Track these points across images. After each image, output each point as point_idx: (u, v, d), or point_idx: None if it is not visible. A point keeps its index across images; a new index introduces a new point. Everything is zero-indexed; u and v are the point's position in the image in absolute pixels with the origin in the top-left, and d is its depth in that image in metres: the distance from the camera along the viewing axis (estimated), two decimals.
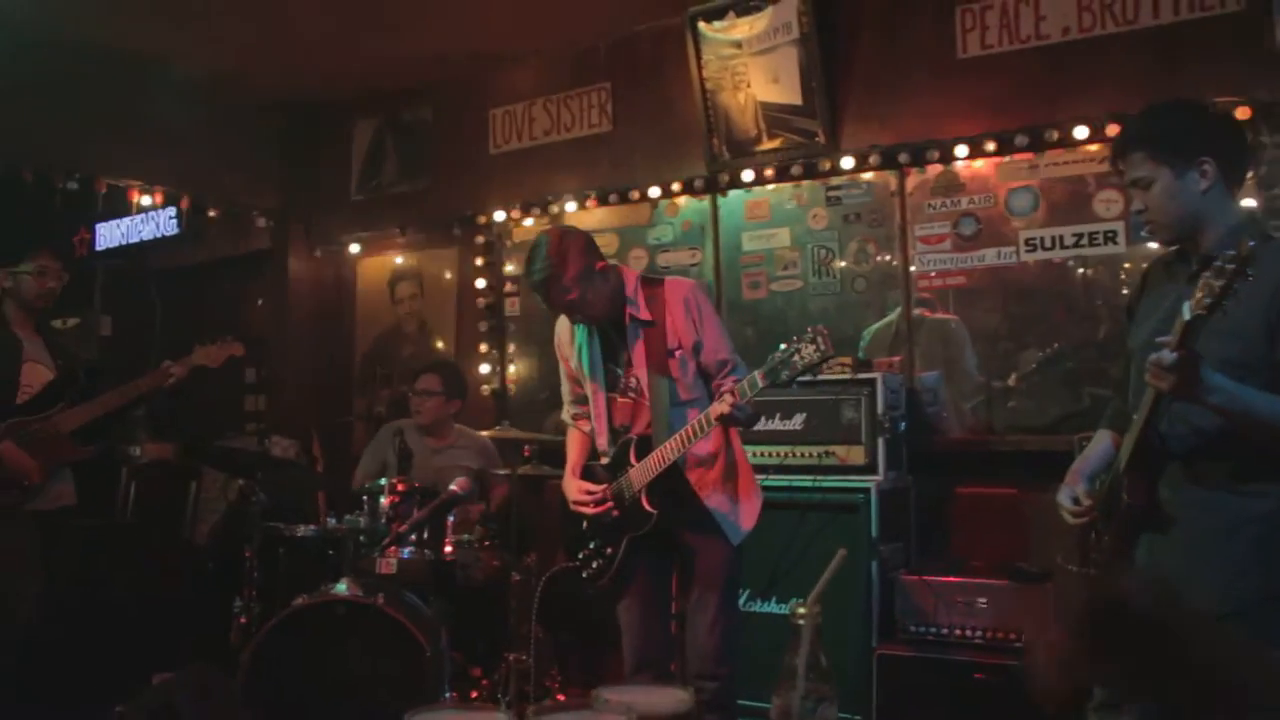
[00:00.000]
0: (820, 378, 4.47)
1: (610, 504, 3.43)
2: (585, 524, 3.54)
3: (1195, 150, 2.52)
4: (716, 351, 3.43)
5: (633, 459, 3.38)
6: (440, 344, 6.46)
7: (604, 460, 3.53)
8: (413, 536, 4.27)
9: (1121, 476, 2.55)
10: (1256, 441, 2.41)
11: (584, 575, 3.55)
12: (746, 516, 3.43)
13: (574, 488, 3.55)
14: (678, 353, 3.38)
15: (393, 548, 4.30)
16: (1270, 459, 2.42)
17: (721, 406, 3.10)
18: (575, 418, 3.74)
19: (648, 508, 3.32)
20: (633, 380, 3.45)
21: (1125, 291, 4.11)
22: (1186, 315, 2.17)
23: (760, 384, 3.05)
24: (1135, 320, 2.78)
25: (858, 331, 4.98)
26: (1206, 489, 2.46)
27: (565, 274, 3.31)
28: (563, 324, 3.66)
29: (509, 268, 6.12)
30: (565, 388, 3.75)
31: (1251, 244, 2.09)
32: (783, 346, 3.02)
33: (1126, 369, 2.80)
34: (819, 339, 2.96)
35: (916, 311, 4.86)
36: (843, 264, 5.05)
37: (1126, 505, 2.53)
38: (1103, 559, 2.64)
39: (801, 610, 1.34)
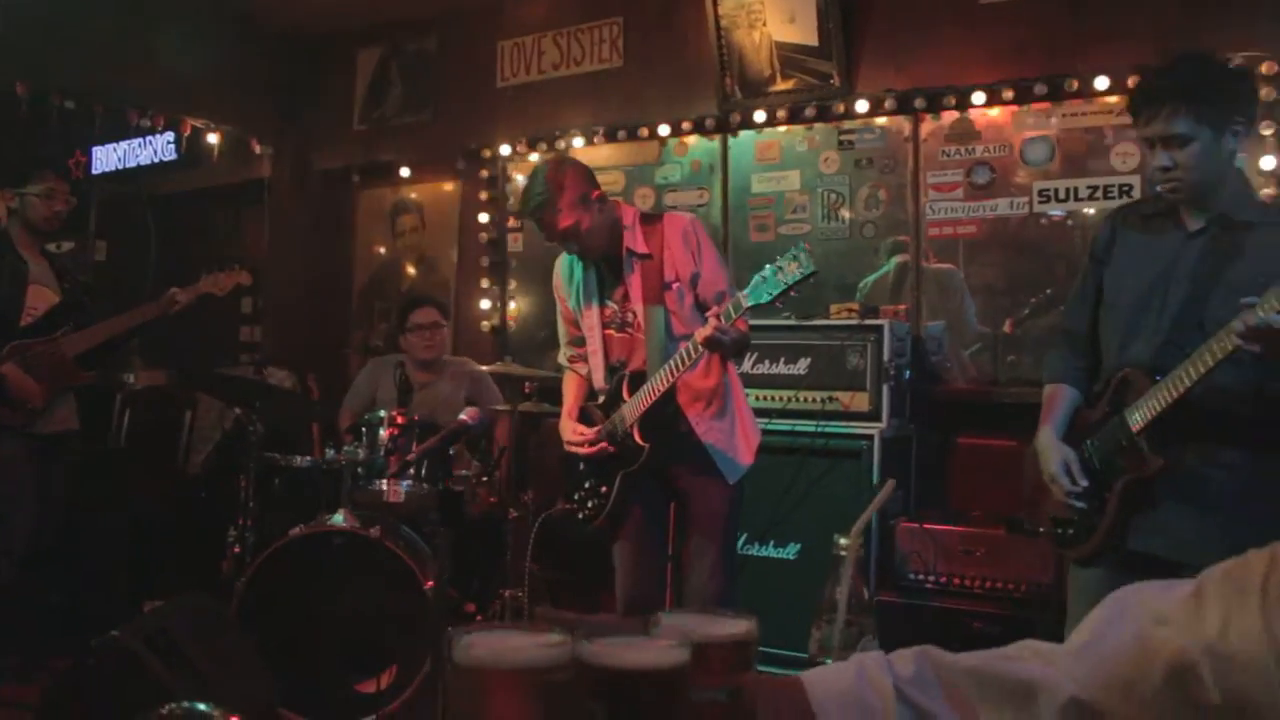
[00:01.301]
0: (826, 323, 4.46)
1: (604, 444, 3.39)
2: (581, 464, 3.50)
3: (1239, 112, 2.47)
4: (714, 283, 3.37)
5: (625, 394, 3.35)
6: (440, 278, 6.39)
7: (600, 400, 3.49)
8: (422, 470, 4.24)
9: (1137, 438, 2.51)
10: None
11: (580, 516, 3.52)
12: (744, 452, 3.39)
13: (569, 429, 3.51)
14: (675, 285, 3.34)
15: (391, 479, 4.27)
16: None
17: (705, 330, 3.04)
18: (571, 360, 3.70)
19: (639, 441, 3.29)
20: (629, 315, 3.41)
21: None
22: None
23: (744, 304, 2.99)
24: (1113, 269, 2.72)
25: (863, 276, 4.94)
26: (1235, 451, 2.45)
27: (561, 199, 3.25)
28: (560, 264, 3.63)
29: (512, 202, 6.05)
30: (562, 329, 3.70)
31: None
32: (767, 266, 2.97)
33: (1080, 315, 2.80)
34: (800, 255, 2.91)
35: (907, 260, 4.83)
36: (852, 211, 4.99)
37: (1158, 467, 2.49)
38: (1105, 521, 2.61)
39: (844, 541, 1.32)
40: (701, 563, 3.37)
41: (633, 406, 3.31)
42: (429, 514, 4.20)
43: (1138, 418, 2.51)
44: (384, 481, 4.25)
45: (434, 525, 4.24)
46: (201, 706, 1.01)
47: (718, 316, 3.04)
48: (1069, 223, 4.50)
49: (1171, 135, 2.45)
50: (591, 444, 3.40)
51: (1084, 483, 2.61)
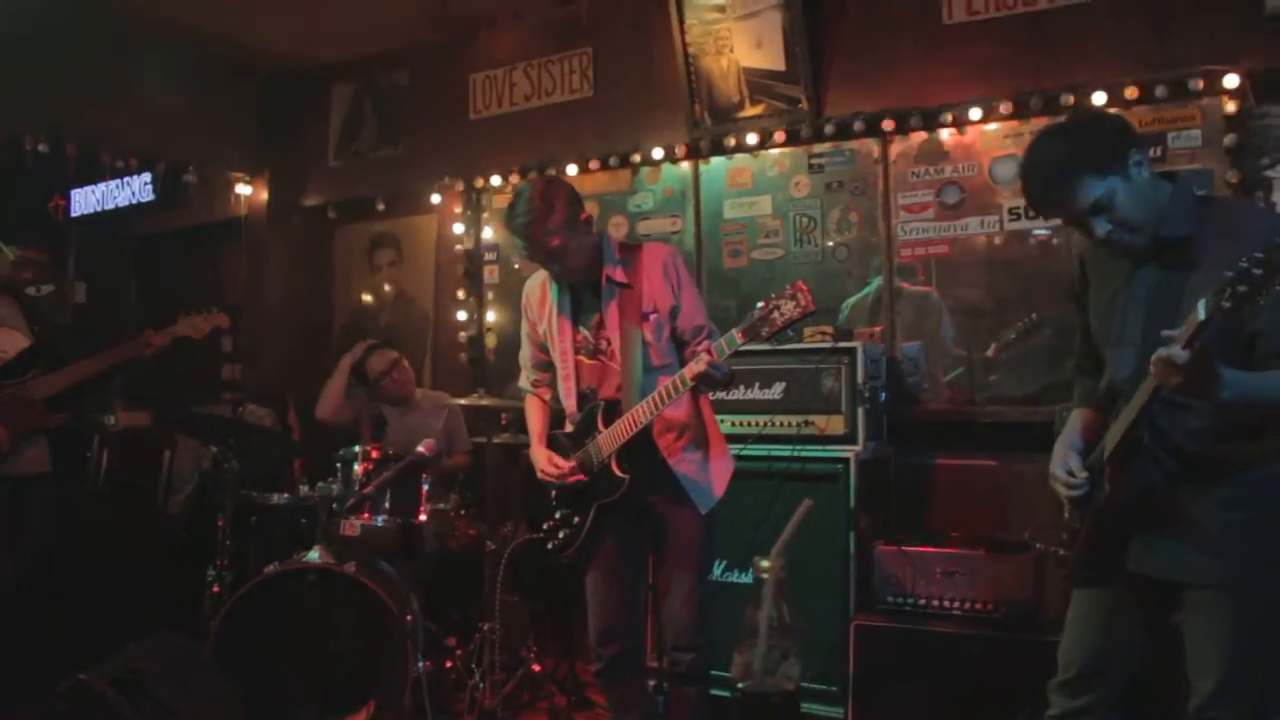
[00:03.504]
0: (800, 346, 4.45)
1: (580, 474, 3.36)
2: (554, 493, 3.47)
3: (1125, 146, 2.45)
4: (693, 317, 3.36)
5: (600, 425, 3.31)
6: (419, 311, 6.39)
7: (568, 427, 3.46)
8: (386, 504, 4.22)
9: (1104, 465, 2.52)
10: (1255, 419, 2.38)
11: (549, 546, 3.48)
12: (717, 483, 3.37)
13: (543, 457, 3.45)
14: (652, 317, 3.31)
15: (365, 514, 4.25)
16: (1249, 425, 2.39)
17: (698, 365, 3.02)
18: (535, 384, 3.66)
19: (618, 473, 3.25)
20: (603, 342, 3.37)
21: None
22: (1201, 315, 2.05)
23: (739, 341, 2.96)
24: (1089, 309, 2.74)
25: (837, 299, 4.92)
26: (1200, 474, 2.43)
27: (550, 219, 3.21)
28: (533, 285, 3.58)
29: (488, 234, 6.05)
30: (526, 352, 3.66)
31: None
32: (760, 304, 2.94)
33: (1086, 353, 2.80)
34: (799, 295, 2.88)
35: (896, 283, 4.81)
36: (824, 234, 4.99)
37: (1108, 497, 2.51)
38: (1077, 544, 2.63)
39: (765, 564, 1.30)
40: (677, 592, 3.34)
41: (610, 437, 3.27)
42: (394, 546, 4.17)
43: (1106, 446, 2.52)
44: (344, 515, 4.23)
45: (400, 558, 4.21)
46: None
47: (711, 353, 3.02)
48: (1054, 241, 4.48)
49: (1090, 204, 2.43)
50: (567, 475, 3.37)
51: (1084, 475, 2.58)
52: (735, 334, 2.98)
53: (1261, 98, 4.10)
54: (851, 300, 4.92)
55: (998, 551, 3.94)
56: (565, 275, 3.40)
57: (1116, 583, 2.59)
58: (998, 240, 4.60)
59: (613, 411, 3.30)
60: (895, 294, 4.81)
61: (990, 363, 4.62)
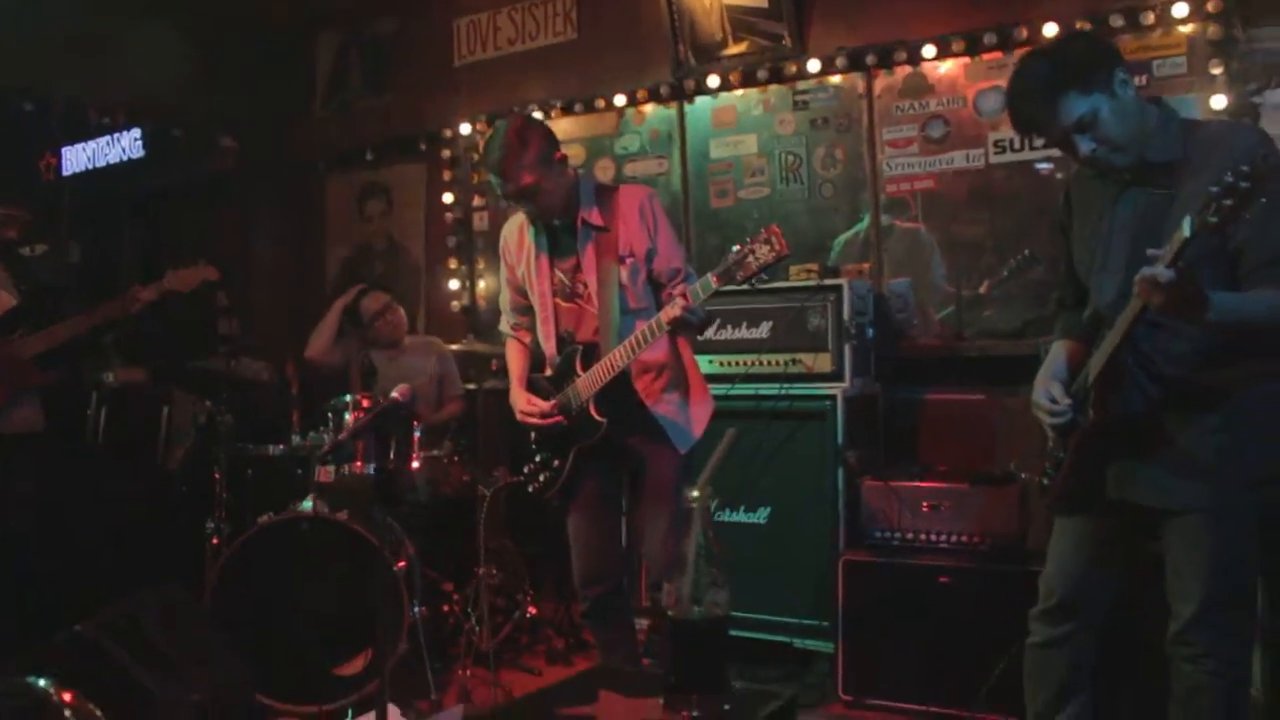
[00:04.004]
0: (786, 285, 4.45)
1: (558, 417, 3.37)
2: (533, 436, 3.49)
3: (1110, 65, 2.42)
4: (670, 259, 3.35)
5: (579, 368, 3.31)
6: (411, 260, 6.40)
7: (548, 371, 3.47)
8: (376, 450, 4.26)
9: (1089, 389, 2.51)
10: (1239, 341, 2.38)
11: (530, 489, 3.51)
12: (696, 423, 3.38)
13: (522, 400, 3.46)
14: (629, 260, 3.30)
15: (359, 461, 4.28)
16: (1232, 349, 2.40)
17: (673, 310, 3.02)
18: (515, 328, 3.67)
19: (596, 416, 3.26)
20: (580, 286, 3.37)
21: None
22: (1186, 232, 2.03)
23: (714, 285, 2.96)
24: (1074, 238, 2.72)
25: (824, 236, 4.92)
26: (1186, 399, 2.43)
27: (525, 155, 3.18)
28: (510, 228, 3.57)
29: (476, 179, 6.04)
30: (505, 296, 3.67)
31: (1268, 159, 1.95)
32: (735, 247, 2.94)
33: (1068, 285, 2.79)
34: (773, 239, 2.88)
35: (885, 220, 4.79)
36: (810, 171, 4.97)
37: (1092, 421, 2.50)
38: (1059, 472, 2.64)
39: (694, 495, 1.31)
40: (655, 530, 3.36)
41: (588, 381, 3.28)
42: (370, 492, 4.21)
43: (1091, 371, 2.52)
44: (320, 461, 4.27)
45: (378, 504, 4.24)
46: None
47: (686, 297, 3.02)
48: (1058, 175, 4.40)
49: (1075, 121, 2.40)
50: (546, 416, 3.39)
51: (1067, 402, 2.58)
52: (710, 278, 2.97)
53: (1248, 23, 4.06)
54: (843, 237, 4.91)
55: (982, 484, 3.96)
56: (540, 216, 3.38)
57: (1098, 511, 2.61)
58: (983, 174, 4.57)
59: (591, 355, 3.30)
60: (884, 231, 4.80)
61: (982, 298, 4.61)
